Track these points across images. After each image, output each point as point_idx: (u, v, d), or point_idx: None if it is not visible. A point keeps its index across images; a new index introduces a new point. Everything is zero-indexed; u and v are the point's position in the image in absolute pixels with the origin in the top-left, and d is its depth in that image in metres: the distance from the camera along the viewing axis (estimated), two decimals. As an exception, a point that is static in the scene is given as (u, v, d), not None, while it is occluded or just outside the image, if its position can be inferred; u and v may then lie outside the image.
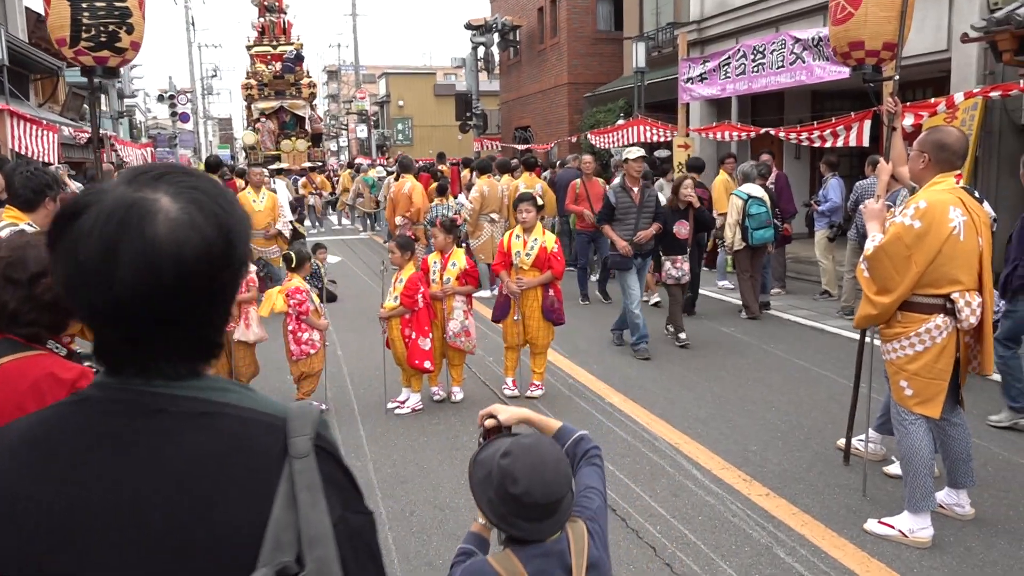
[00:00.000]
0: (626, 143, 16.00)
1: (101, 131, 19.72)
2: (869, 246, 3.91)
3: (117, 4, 3.87)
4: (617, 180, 9.33)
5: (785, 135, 11.37)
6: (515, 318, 6.16)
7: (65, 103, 21.86)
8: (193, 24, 47.70)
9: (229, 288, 1.09)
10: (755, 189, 9.19)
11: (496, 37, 26.22)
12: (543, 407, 5.97)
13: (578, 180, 10.24)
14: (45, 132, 13.06)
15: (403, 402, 5.98)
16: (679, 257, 7.87)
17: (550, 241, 6.25)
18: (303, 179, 22.02)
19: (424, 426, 5.65)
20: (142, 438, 1.01)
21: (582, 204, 10.05)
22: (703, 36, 15.19)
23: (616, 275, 7.71)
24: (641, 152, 7.54)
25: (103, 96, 30.82)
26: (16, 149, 11.97)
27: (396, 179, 11.83)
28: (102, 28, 3.88)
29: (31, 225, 3.95)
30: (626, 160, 7.56)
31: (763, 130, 12.09)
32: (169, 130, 44.30)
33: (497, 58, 28.11)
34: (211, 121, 75.22)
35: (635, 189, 7.44)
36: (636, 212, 7.39)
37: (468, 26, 26.43)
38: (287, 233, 9.82)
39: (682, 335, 7.84)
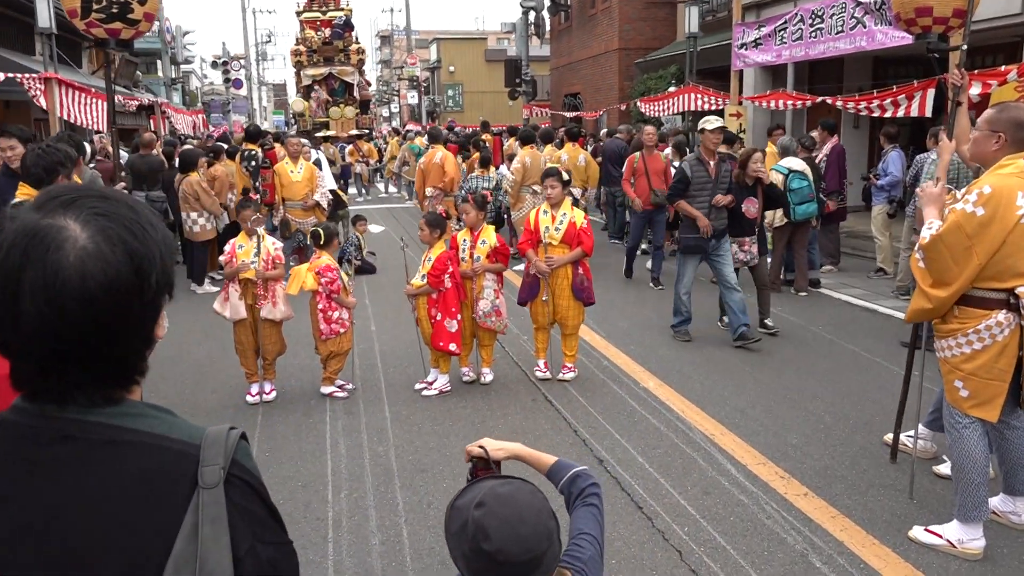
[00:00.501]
0: (677, 111, 15.52)
1: (154, 98, 19.84)
2: (925, 234, 3.58)
3: (128, -26, 3.72)
4: (797, 160, 8.95)
5: (843, 104, 10.81)
6: (544, 298, 5.93)
7: (118, 70, 22.07)
8: (247, -10, 47.83)
9: (144, 317, 1.05)
10: (796, 163, 8.83)
11: (546, 1, 25.63)
12: (576, 391, 5.77)
13: (637, 153, 9.55)
14: (94, 100, 13.12)
15: (431, 383, 5.83)
16: (747, 239, 7.17)
17: (579, 216, 6.00)
18: (350, 147, 21.97)
19: (451, 409, 5.49)
20: (50, 465, 1.00)
21: (640, 180, 9.42)
22: (760, 0, 14.55)
23: (679, 256, 7.21)
24: (720, 123, 6.94)
25: (158, 62, 31.21)
26: (64, 117, 12.06)
27: (425, 149, 11.55)
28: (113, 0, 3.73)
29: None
30: (702, 130, 6.93)
31: (819, 99, 11.54)
32: (223, 96, 44.73)
33: (548, 23, 27.55)
34: (265, 87, 75.91)
35: (711, 163, 6.85)
36: (712, 187, 6.81)
37: (518, -10, 25.89)
38: (325, 204, 9.71)
39: (768, 321, 7.28)
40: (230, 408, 5.62)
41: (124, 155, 11.78)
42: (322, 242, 5.66)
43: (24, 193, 3.83)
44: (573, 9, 26.32)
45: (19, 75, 11.16)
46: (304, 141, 10.58)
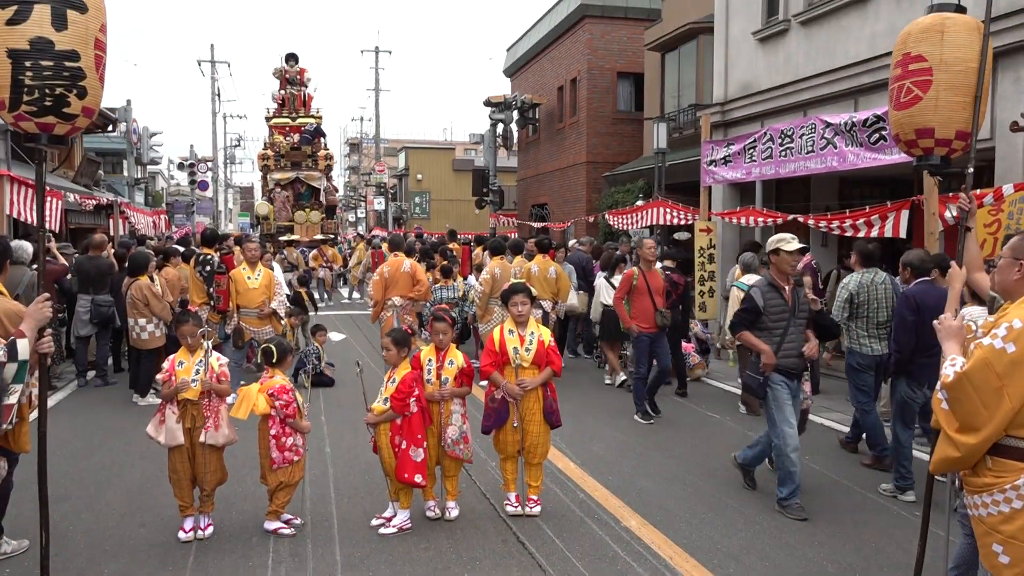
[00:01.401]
0: (645, 224, 15.47)
1: (113, 198, 19.38)
2: (948, 371, 3.20)
3: (68, 64, 3.31)
4: (759, 277, 8.50)
5: (815, 223, 10.75)
6: (515, 424, 5.43)
7: (79, 169, 21.69)
8: (219, 95, 48.40)
9: None
10: (755, 280, 8.61)
11: (515, 114, 26.14)
12: (550, 530, 5.20)
13: (635, 269, 8.61)
14: (48, 198, 12.65)
15: (389, 520, 5.22)
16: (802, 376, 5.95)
17: (546, 334, 5.58)
18: (314, 252, 21.61)
19: (411, 551, 4.88)
20: None
21: (641, 299, 8.38)
22: (727, 119, 14.78)
23: (768, 404, 5.76)
24: (800, 244, 5.71)
25: (124, 162, 30.92)
26: (12, 215, 11.54)
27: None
28: (47, 91, 3.32)
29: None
30: (776, 251, 5.73)
31: (790, 216, 11.51)
32: (188, 197, 44.47)
33: (516, 135, 28.01)
34: (232, 189, 76.02)
35: (787, 288, 5.73)
36: (789, 318, 5.68)
37: (487, 103, 26.39)
38: (282, 312, 9.21)
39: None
40: (158, 547, 4.94)
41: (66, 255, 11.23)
42: (275, 360, 5.14)
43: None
44: (541, 123, 26.82)
45: (-30, 172, 10.67)
46: (263, 246, 10.14)
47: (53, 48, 3.29)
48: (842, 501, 5.87)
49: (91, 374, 10.12)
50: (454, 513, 5.40)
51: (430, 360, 5.45)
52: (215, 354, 5.21)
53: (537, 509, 5.48)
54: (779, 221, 11.94)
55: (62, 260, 10.36)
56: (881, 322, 6.77)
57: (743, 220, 12.75)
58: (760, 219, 12.26)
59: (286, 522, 5.17)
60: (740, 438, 7.60)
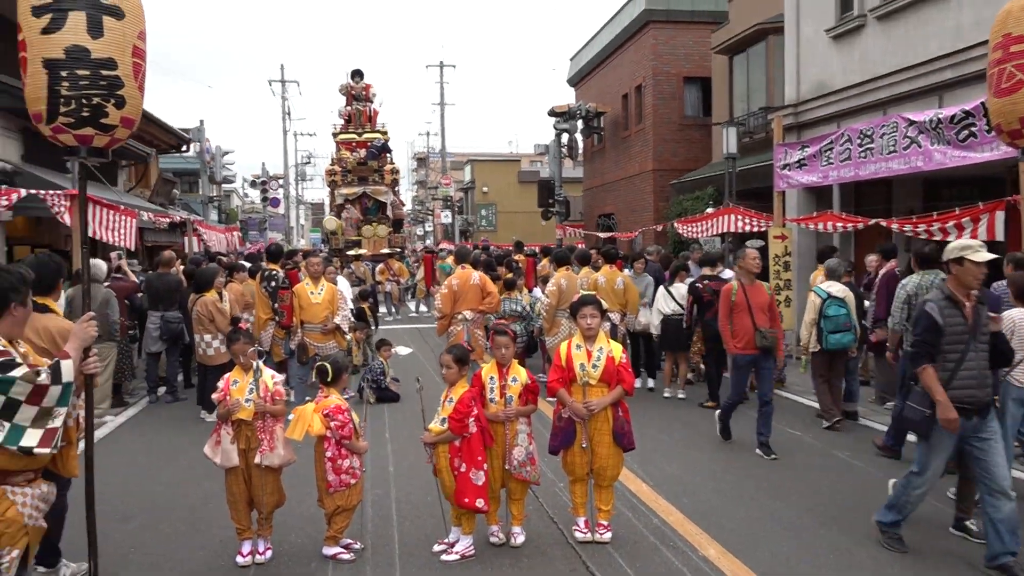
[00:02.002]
0: (716, 232, 14.99)
1: (186, 216, 19.83)
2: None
3: (105, 73, 3.19)
4: (841, 285, 8.31)
5: (899, 226, 10.17)
6: (583, 446, 5.13)
7: (155, 188, 22.28)
8: (289, 114, 49.49)
9: None
10: (836, 287, 8.42)
11: (580, 124, 25.86)
12: (622, 558, 4.88)
13: (735, 283, 7.61)
14: (123, 217, 12.92)
15: (452, 545, 4.99)
16: None
17: (617, 350, 5.26)
18: (380, 265, 21.69)
19: (474, 579, 4.63)
20: None
21: (741, 317, 7.41)
22: (800, 120, 14.21)
23: (924, 446, 4.94)
24: (989, 255, 4.81)
25: (200, 181, 31.76)
26: (88, 234, 11.79)
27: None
28: (84, 101, 3.20)
29: (-9, 338, 3.25)
30: (960, 261, 4.80)
31: (872, 221, 10.93)
32: (261, 214, 45.55)
33: (581, 145, 27.72)
34: (304, 206, 77.71)
35: (967, 305, 4.84)
36: (968, 340, 4.80)
37: (552, 113, 26.18)
38: (346, 327, 9.11)
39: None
40: (217, 570, 4.82)
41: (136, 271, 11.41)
42: (330, 378, 4.96)
43: (-30, 326, 3.23)
44: (606, 131, 26.48)
45: (42, 192, 10.94)
46: (330, 261, 10.09)
47: (89, 56, 3.18)
48: (934, 539, 5.38)
49: (162, 390, 10.21)
50: (520, 539, 5.13)
51: (492, 377, 5.21)
52: (269, 372, 5.07)
53: (608, 535, 5.16)
54: (859, 226, 11.37)
55: (133, 277, 10.50)
56: None
57: (820, 225, 12.20)
58: (839, 224, 11.69)
59: (345, 547, 4.98)
60: (824, 456, 7.15)
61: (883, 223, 10.55)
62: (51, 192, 11.07)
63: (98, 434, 8.37)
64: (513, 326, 10.48)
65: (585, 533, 5.19)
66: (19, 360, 3.21)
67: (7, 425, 3.12)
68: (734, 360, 7.51)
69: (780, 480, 6.47)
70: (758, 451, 7.25)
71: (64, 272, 4.78)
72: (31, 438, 3.14)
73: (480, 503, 4.83)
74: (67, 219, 11.52)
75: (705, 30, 21.72)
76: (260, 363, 5.01)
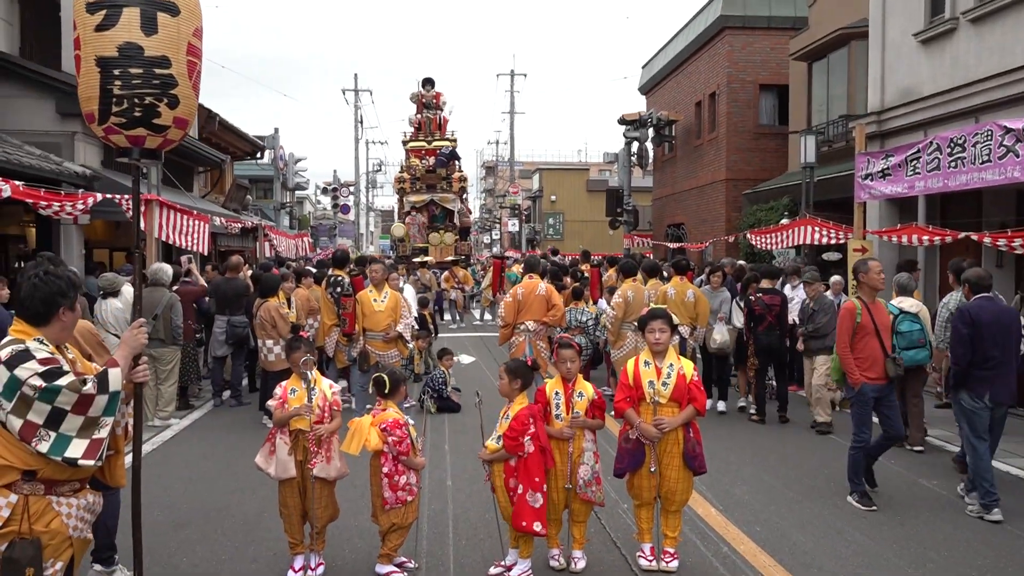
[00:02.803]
0: (791, 244, 14.45)
1: (257, 221, 20.14)
2: None
3: (158, 71, 3.08)
4: (913, 300, 7.90)
5: (992, 241, 9.56)
6: (652, 469, 4.85)
7: (229, 194, 22.73)
8: (361, 122, 50.18)
9: None
10: (908, 302, 7.98)
11: (650, 132, 25.42)
12: (689, 591, 4.58)
13: (855, 300, 6.60)
14: (196, 222, 13.14)
15: (508, 568, 4.76)
16: None
17: (688, 367, 4.96)
18: (445, 273, 21.67)
19: (532, 607, 4.39)
20: None
21: (867, 342, 6.28)
22: (884, 129, 13.60)
23: None
24: None
25: (273, 187, 32.43)
26: (162, 237, 12.02)
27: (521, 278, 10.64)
28: (136, 101, 3.10)
29: (41, 342, 3.17)
30: None
31: (962, 234, 10.30)
32: (332, 220, 46.29)
33: (651, 153, 27.27)
34: (374, 212, 78.79)
35: None
36: None
37: (622, 121, 25.82)
38: (408, 336, 8.99)
39: None
40: (268, 585, 4.69)
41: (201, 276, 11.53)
42: (387, 391, 4.80)
43: (18, 331, 3.14)
44: (678, 140, 25.99)
45: (117, 196, 11.18)
46: (393, 268, 10.00)
47: (142, 54, 3.08)
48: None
49: (227, 394, 10.27)
50: (580, 564, 4.87)
51: (557, 392, 4.96)
52: (327, 381, 4.94)
53: (675, 564, 4.86)
54: (947, 239, 10.75)
55: (202, 281, 10.61)
56: None
57: (904, 238, 11.59)
58: (925, 237, 11.08)
59: (399, 565, 4.80)
60: (903, 481, 6.68)
61: (974, 237, 9.95)
62: (126, 196, 11.30)
63: (163, 437, 8.44)
64: (578, 338, 10.25)
65: (650, 561, 4.90)
66: (66, 368, 3.11)
67: (53, 435, 3.02)
68: (860, 393, 6.28)
69: (862, 510, 6.03)
70: (850, 499, 6.20)
71: (81, 287, 4.72)
72: (76, 449, 3.03)
73: (538, 526, 4.58)
74: (141, 224, 11.77)
75: (782, 36, 21.11)
76: (316, 372, 4.87)
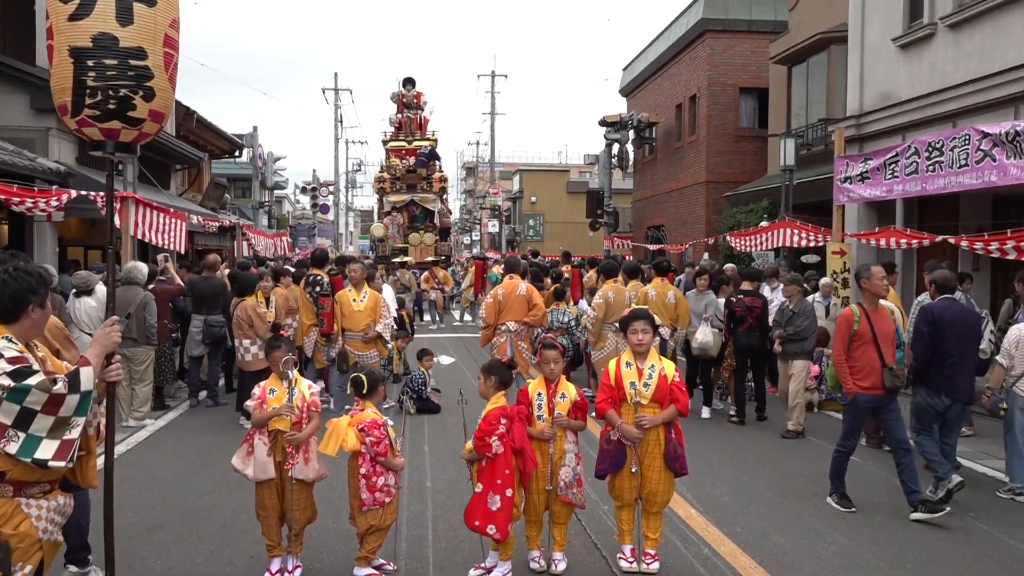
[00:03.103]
0: (770, 246, 14.52)
1: (235, 220, 19.94)
2: None
3: (133, 63, 3.00)
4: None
5: (969, 244, 9.64)
6: (632, 469, 4.82)
7: (207, 192, 22.52)
8: (341, 122, 49.93)
9: None
10: (883, 303, 7.90)
11: (631, 134, 25.48)
12: (670, 593, 4.55)
13: (854, 307, 6.34)
14: (173, 220, 12.98)
15: (488, 570, 4.71)
16: None
17: (670, 368, 4.94)
18: (425, 273, 21.59)
19: (512, 609, 4.35)
20: None
21: (863, 350, 6.13)
22: (863, 132, 13.70)
23: None
24: None
25: (254, 186, 32.14)
26: (137, 235, 11.86)
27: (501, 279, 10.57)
28: (111, 92, 3.02)
29: (9, 340, 3.08)
30: None
31: (939, 237, 10.39)
32: (311, 220, 46.00)
33: (632, 155, 27.34)
34: (353, 212, 78.44)
35: None
36: None
37: (602, 123, 25.86)
38: (388, 336, 8.92)
39: None
40: (244, 588, 4.61)
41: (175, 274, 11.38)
42: (365, 391, 4.74)
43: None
44: (658, 142, 26.07)
45: (92, 192, 11.01)
46: (373, 266, 9.93)
47: (117, 45, 3.00)
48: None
49: (203, 394, 10.14)
50: (561, 566, 4.83)
51: (540, 393, 4.92)
52: (306, 381, 4.87)
53: (655, 566, 4.84)
54: (924, 242, 10.83)
55: (178, 280, 10.46)
56: None
57: (882, 241, 11.67)
58: (903, 240, 11.16)
59: (378, 567, 4.75)
60: (881, 482, 6.70)
61: (951, 240, 10.04)
62: (101, 193, 11.14)
63: (137, 437, 8.31)
64: (560, 339, 10.22)
65: (631, 562, 4.88)
66: (36, 367, 3.03)
67: (22, 435, 2.94)
68: (853, 401, 6.18)
69: (842, 511, 6.05)
70: (916, 515, 5.85)
71: (51, 282, 4.62)
72: (46, 450, 2.95)
73: (491, 529, 4.49)
74: (116, 221, 11.59)
75: (763, 40, 21.24)
76: (296, 372, 4.80)
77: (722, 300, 9.92)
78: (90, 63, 3.01)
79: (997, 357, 6.73)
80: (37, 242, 12.26)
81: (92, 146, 3.23)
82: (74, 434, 3.04)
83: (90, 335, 8.47)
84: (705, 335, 9.62)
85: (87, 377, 3.07)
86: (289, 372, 4.71)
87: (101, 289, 9.44)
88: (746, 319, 9.22)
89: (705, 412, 9.62)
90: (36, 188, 10.32)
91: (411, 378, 9.77)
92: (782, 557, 5.12)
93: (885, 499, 6.38)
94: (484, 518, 4.49)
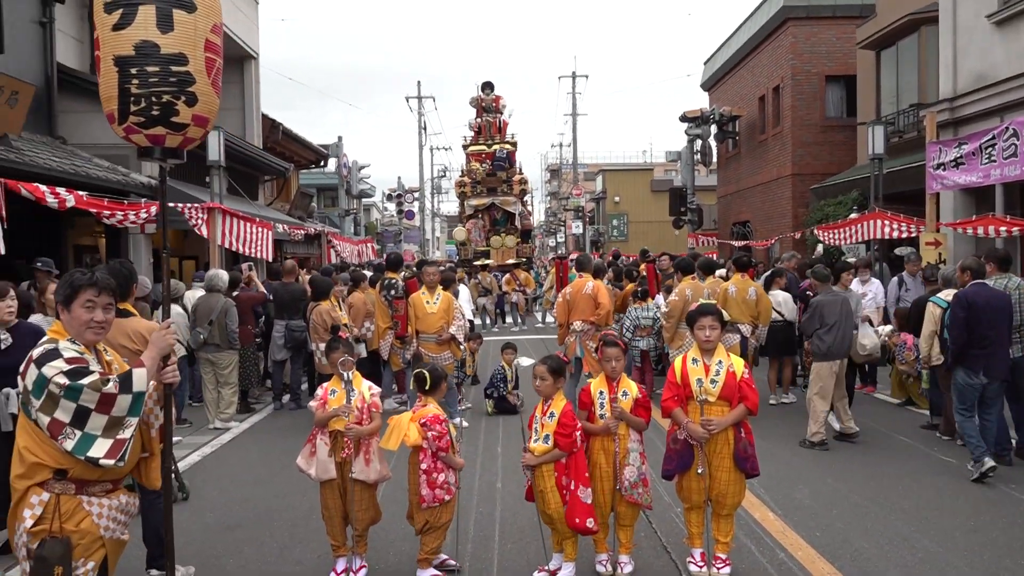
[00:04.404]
0: (860, 239, 13.92)
1: (320, 228, 20.42)
2: None
3: (175, 69, 3.07)
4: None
5: (1076, 230, 9.01)
6: (699, 471, 4.65)
7: (294, 201, 23.17)
8: (425, 128, 50.65)
9: None
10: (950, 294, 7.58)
11: (713, 128, 24.94)
12: (740, 598, 4.37)
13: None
14: (259, 229, 13.39)
15: (553, 573, 4.63)
16: None
17: (739, 365, 4.74)
18: (507, 276, 21.63)
19: (575, 613, 4.25)
20: None
21: None
22: (956, 116, 12.98)
23: None
24: None
25: (342, 194, 32.93)
26: (224, 245, 12.27)
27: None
28: (154, 99, 3.10)
29: (72, 342, 3.19)
30: None
31: (1042, 224, 9.75)
32: (397, 226, 46.78)
33: (715, 151, 26.77)
34: (439, 218, 79.47)
35: None
36: None
37: (683, 118, 25.41)
38: (461, 338, 8.93)
39: None
40: (311, 587, 4.66)
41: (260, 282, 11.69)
42: (427, 387, 4.73)
43: (55, 331, 3.20)
44: (741, 136, 25.42)
45: (179, 205, 11.44)
46: (453, 269, 9.98)
47: (159, 52, 3.07)
48: None
49: (287, 397, 10.39)
50: (627, 569, 4.70)
51: (601, 392, 4.81)
52: (367, 383, 4.89)
53: (727, 571, 4.65)
54: (1027, 230, 10.19)
55: (261, 288, 10.77)
56: (1015, 325, 6.93)
57: (980, 230, 11.02)
58: (1003, 228, 10.51)
59: (440, 565, 4.72)
60: (975, 484, 6.29)
61: (1055, 226, 9.40)
62: (188, 205, 11.57)
63: (222, 439, 8.58)
64: (645, 340, 10.01)
65: (701, 567, 4.70)
66: (93, 368, 3.13)
67: (78, 433, 3.03)
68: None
69: (934, 516, 5.71)
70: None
71: (135, 278, 4.78)
72: (99, 448, 3.03)
73: (591, 523, 4.44)
74: (204, 231, 12.02)
75: (848, 25, 20.44)
76: (354, 373, 4.83)
77: (780, 293, 9.61)
78: (133, 71, 3.09)
79: None
80: (133, 254, 12.84)
81: (141, 152, 3.32)
82: (126, 434, 3.12)
83: (178, 341, 8.80)
84: (869, 338, 8.30)
85: (140, 378, 3.15)
86: (346, 373, 4.74)
87: (189, 296, 9.82)
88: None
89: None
90: (127, 202, 10.79)
91: (492, 374, 9.79)
92: (864, 563, 4.85)
93: (982, 502, 5.99)
94: (584, 513, 4.44)
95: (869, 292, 10.34)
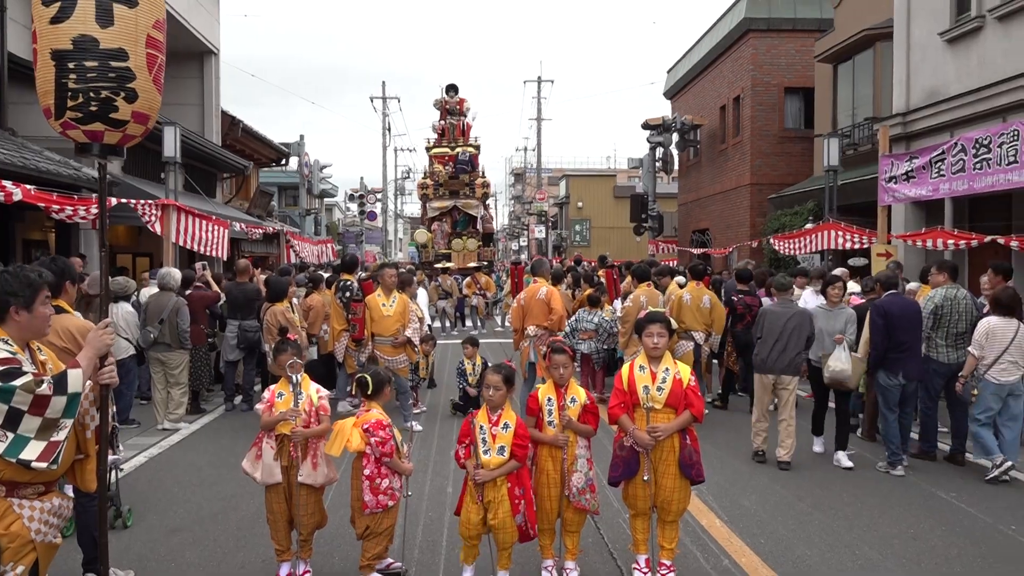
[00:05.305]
0: (814, 249, 14.16)
1: (279, 227, 20.18)
2: None
3: (114, 64, 3.00)
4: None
5: (1020, 245, 9.26)
6: (645, 478, 4.68)
7: (253, 200, 22.90)
8: (389, 129, 50.40)
9: None
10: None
11: (675, 137, 25.17)
12: (683, 605, 4.40)
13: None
14: (215, 227, 13.20)
15: (497, 581, 4.62)
16: None
17: (685, 371, 4.78)
18: (467, 279, 21.60)
19: (519, 619, 4.25)
20: None
21: None
22: (909, 130, 13.28)
23: None
24: None
25: (303, 194, 32.63)
26: (179, 243, 12.08)
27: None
28: (92, 95, 3.03)
29: (6, 342, 3.11)
30: None
31: (988, 238, 10.00)
32: (358, 227, 46.46)
33: (676, 159, 27.02)
34: (402, 219, 79.07)
35: None
36: None
37: (645, 126, 25.61)
38: (416, 341, 8.89)
39: None
40: (254, 592, 4.60)
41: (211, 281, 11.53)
42: (370, 391, 4.69)
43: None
44: (702, 145, 25.71)
45: (132, 201, 11.24)
46: (412, 272, 9.96)
47: (98, 47, 3.00)
48: None
49: (239, 398, 10.25)
50: (573, 575, 4.71)
51: (550, 399, 4.81)
52: (315, 386, 4.85)
53: (671, 576, 4.69)
54: (973, 243, 10.44)
55: (216, 287, 10.61)
56: (960, 333, 7.51)
57: (929, 242, 11.28)
58: (951, 241, 10.77)
59: (385, 569, 4.69)
60: (918, 492, 6.42)
61: (1000, 240, 9.65)
62: (141, 201, 11.37)
63: (170, 440, 8.43)
64: (588, 343, 10.07)
65: (645, 573, 4.73)
66: (26, 368, 3.05)
67: (11, 435, 2.96)
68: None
69: (876, 523, 5.81)
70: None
71: (71, 274, 4.66)
72: (32, 451, 2.96)
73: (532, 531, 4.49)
74: (157, 228, 11.82)
75: (807, 38, 20.81)
76: (303, 376, 4.78)
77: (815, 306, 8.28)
78: (71, 65, 3.02)
79: (969, 348, 7.15)
80: (84, 249, 12.58)
81: (79, 148, 3.24)
82: (60, 436, 3.05)
83: (127, 340, 8.63)
84: (840, 361, 7.45)
85: (75, 379, 3.08)
86: (295, 375, 4.69)
87: (145, 294, 9.64)
88: (745, 316, 9.64)
89: (844, 460, 7.40)
90: (77, 196, 10.56)
91: (457, 371, 9.83)
92: (806, 570, 4.92)
93: (921, 510, 6.12)
94: (533, 520, 4.51)
95: (815, 302, 10.45)
